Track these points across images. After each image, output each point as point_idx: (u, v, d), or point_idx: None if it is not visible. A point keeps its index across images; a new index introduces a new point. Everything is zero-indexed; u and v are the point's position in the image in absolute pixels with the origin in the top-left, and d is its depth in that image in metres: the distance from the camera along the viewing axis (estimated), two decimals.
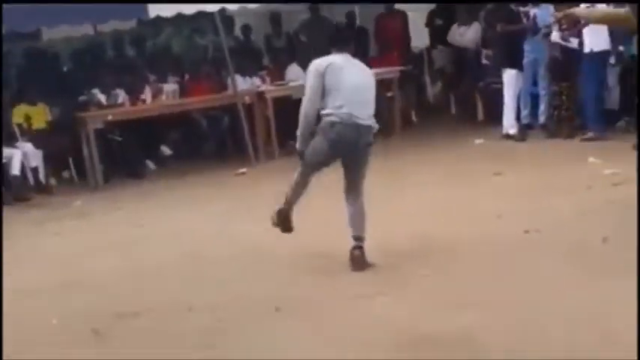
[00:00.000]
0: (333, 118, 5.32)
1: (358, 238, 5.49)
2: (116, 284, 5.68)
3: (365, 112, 5.40)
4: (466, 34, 11.42)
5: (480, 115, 11.15)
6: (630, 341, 3.91)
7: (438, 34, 12.29)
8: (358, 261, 5.44)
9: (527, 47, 9.78)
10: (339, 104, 5.31)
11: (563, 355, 3.88)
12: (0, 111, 9.31)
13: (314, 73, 5.38)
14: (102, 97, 10.10)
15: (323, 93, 5.33)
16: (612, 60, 9.44)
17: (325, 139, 5.36)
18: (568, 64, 9.46)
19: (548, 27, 9.69)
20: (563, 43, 9.36)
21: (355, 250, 5.47)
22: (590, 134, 9.24)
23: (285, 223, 5.58)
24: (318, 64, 5.41)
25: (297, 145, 5.49)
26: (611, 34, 9.12)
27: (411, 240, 5.98)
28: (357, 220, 5.51)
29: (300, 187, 5.50)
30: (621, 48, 9.36)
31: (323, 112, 5.37)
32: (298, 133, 5.45)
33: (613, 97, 9.78)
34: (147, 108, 9.98)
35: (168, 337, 4.57)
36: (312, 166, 5.48)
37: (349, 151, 5.42)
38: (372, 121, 5.45)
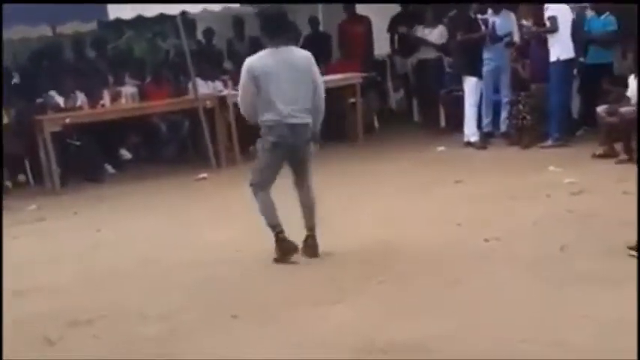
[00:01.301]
0: (269, 123, 5.46)
1: (310, 228, 5.71)
2: (70, 291, 5.57)
3: (299, 109, 5.46)
4: (431, 35, 11.33)
5: (442, 123, 11.18)
6: (583, 349, 3.92)
7: (401, 42, 12.28)
8: (312, 249, 5.69)
9: (487, 55, 9.82)
10: (272, 106, 5.42)
11: None
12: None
13: (245, 74, 5.47)
14: (60, 100, 9.96)
15: (257, 91, 5.41)
16: (575, 71, 9.53)
17: (267, 144, 5.52)
18: (528, 74, 9.53)
19: (509, 35, 9.76)
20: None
21: (308, 240, 5.69)
22: (549, 142, 9.31)
23: (285, 248, 5.65)
24: (249, 64, 5.48)
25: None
26: (574, 44, 9.24)
27: (371, 247, 5.96)
28: (308, 209, 5.71)
29: (267, 207, 5.64)
30: (582, 59, 9.44)
31: (260, 117, 5.50)
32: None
33: (573, 107, 9.87)
34: (106, 111, 9.84)
35: (121, 345, 4.47)
36: (263, 182, 5.64)
37: (290, 150, 5.55)
38: (308, 119, 5.52)
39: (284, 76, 5.40)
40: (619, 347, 3.92)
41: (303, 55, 5.59)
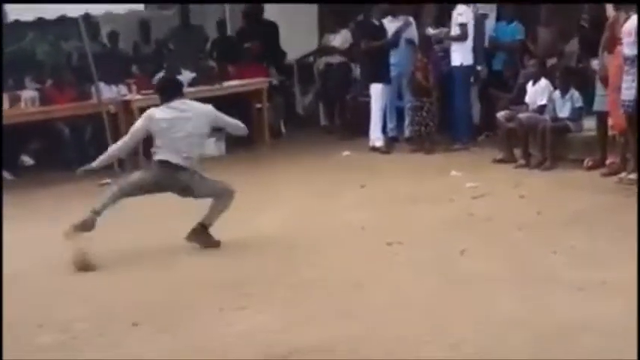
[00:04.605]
0: (158, 157, 6.11)
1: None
2: None
3: (183, 154, 6.06)
4: (335, 40, 11.36)
5: (348, 128, 11.23)
6: (481, 349, 4.01)
7: None
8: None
9: (392, 60, 9.95)
10: (161, 147, 6.10)
11: None
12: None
13: (143, 119, 6.21)
14: None
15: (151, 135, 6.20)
16: (472, 78, 9.76)
17: (152, 172, 6.18)
18: (430, 81, 9.69)
19: (399, 34, 9.84)
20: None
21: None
22: (457, 145, 9.52)
23: (85, 228, 6.06)
24: (150, 113, 6.18)
25: (94, 164, 6.31)
26: (474, 50, 9.48)
27: (275, 252, 5.97)
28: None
29: (111, 200, 6.15)
30: (479, 67, 9.67)
31: (153, 149, 6.22)
32: (102, 158, 6.33)
33: (474, 112, 10.09)
34: (4, 115, 9.51)
35: (14, 356, 4.33)
36: (132, 190, 6.19)
37: (171, 185, 6.13)
38: (188, 162, 6.10)
39: (174, 125, 6.06)
40: (516, 347, 4.03)
41: (197, 110, 6.23)
